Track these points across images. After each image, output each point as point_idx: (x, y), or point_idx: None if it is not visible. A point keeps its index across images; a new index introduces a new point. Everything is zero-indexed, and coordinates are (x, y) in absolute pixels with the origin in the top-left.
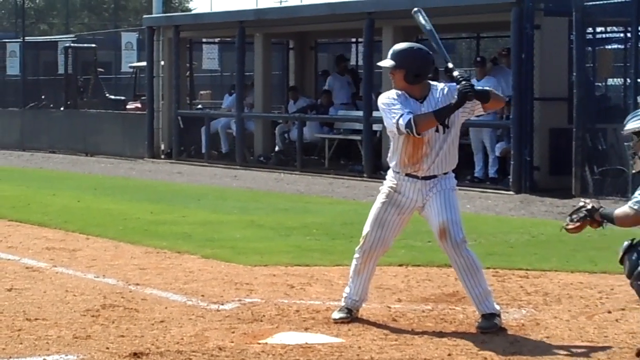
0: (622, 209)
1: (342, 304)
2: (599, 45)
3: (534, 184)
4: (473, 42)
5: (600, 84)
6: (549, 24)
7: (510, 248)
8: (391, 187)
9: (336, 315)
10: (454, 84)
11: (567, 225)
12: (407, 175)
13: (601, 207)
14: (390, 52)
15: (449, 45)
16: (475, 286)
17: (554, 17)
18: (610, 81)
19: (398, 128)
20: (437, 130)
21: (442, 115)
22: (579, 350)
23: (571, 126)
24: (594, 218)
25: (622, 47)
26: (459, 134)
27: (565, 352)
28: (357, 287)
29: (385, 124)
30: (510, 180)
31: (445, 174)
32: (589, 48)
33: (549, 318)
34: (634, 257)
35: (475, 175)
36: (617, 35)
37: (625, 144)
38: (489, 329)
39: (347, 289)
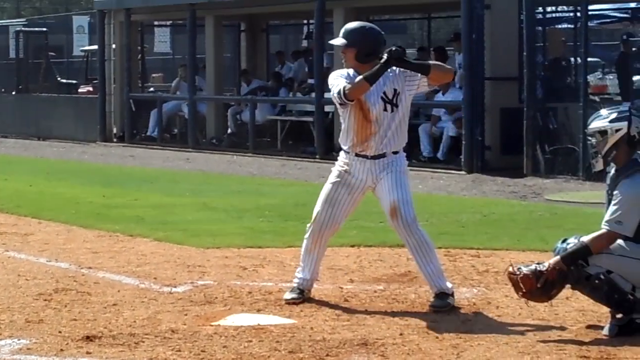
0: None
1: (294, 284)
2: (549, 25)
3: (485, 163)
4: (425, 23)
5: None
6: (499, 3)
7: (462, 227)
8: (342, 168)
9: (287, 295)
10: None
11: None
12: (357, 155)
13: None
14: (342, 30)
15: (400, 26)
16: (427, 264)
17: None
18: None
19: (336, 99)
20: (385, 109)
21: (372, 77)
22: (530, 329)
23: (522, 106)
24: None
25: (572, 26)
26: (408, 113)
27: (516, 330)
28: (309, 266)
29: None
30: (462, 160)
31: (395, 153)
32: (539, 27)
33: (501, 297)
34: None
35: (424, 154)
36: (567, 14)
37: (588, 142)
38: (442, 307)
39: (298, 270)
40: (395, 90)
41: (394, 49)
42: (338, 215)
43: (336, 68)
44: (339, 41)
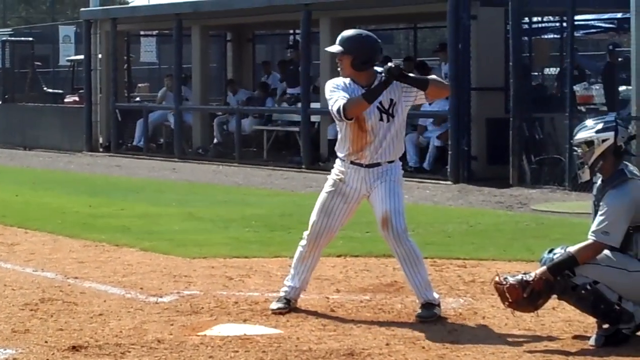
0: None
1: (281, 294)
2: (535, 35)
3: (471, 173)
4: (411, 33)
5: (536, 74)
6: (486, 13)
7: (448, 238)
8: (337, 176)
9: (274, 305)
10: None
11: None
12: (352, 163)
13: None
14: (339, 38)
15: (387, 36)
16: (415, 275)
17: (490, 7)
18: (546, 70)
19: (335, 115)
20: (380, 119)
21: (371, 96)
22: (517, 339)
23: (508, 116)
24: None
25: (558, 36)
26: (404, 123)
27: (503, 341)
28: (300, 274)
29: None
30: (448, 170)
31: (390, 162)
32: (525, 38)
33: (487, 307)
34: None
35: (410, 164)
36: (553, 24)
37: (574, 153)
38: (428, 317)
39: (287, 279)
40: (391, 100)
41: (393, 65)
42: (334, 224)
43: (323, 78)
44: (335, 48)
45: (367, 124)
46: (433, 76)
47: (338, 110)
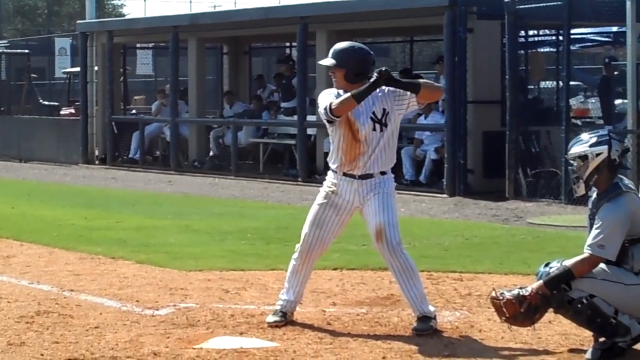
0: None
1: (277, 307)
2: (532, 48)
3: (467, 186)
4: (407, 46)
5: (533, 87)
6: (482, 27)
7: (444, 251)
8: (329, 188)
9: (270, 318)
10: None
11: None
12: (344, 174)
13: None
14: (331, 51)
15: (383, 49)
16: (410, 288)
17: (486, 21)
18: (543, 84)
19: (322, 115)
20: (374, 129)
21: (359, 95)
22: (513, 352)
23: (504, 129)
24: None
25: (555, 50)
26: (396, 133)
27: (499, 354)
28: (294, 288)
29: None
30: (444, 183)
31: (382, 174)
32: (522, 51)
33: (483, 320)
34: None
35: (406, 177)
36: (549, 38)
37: (570, 168)
38: (424, 331)
39: (282, 292)
40: (384, 109)
41: (383, 69)
42: (326, 236)
43: (319, 91)
44: (328, 61)
45: (361, 134)
46: (423, 80)
47: (326, 108)
